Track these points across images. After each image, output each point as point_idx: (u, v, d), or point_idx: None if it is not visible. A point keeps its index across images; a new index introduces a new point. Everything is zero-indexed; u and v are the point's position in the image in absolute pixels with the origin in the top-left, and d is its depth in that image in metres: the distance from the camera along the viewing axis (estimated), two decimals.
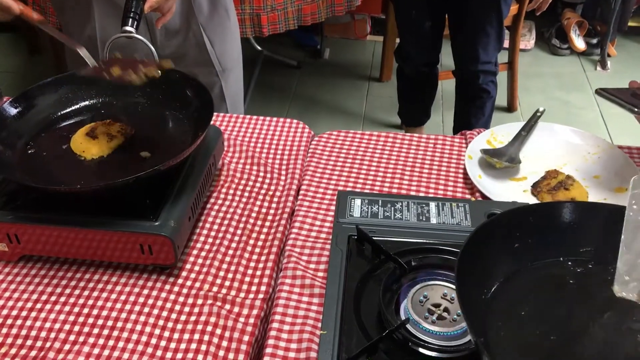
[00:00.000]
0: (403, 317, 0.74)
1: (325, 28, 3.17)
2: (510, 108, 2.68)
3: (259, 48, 2.95)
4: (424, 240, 0.83)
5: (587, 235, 0.73)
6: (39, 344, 0.81)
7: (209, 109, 0.96)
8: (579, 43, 3.09)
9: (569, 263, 0.73)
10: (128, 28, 1.04)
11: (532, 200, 1.01)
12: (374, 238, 0.82)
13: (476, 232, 0.70)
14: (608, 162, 1.07)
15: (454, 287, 0.76)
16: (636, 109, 0.93)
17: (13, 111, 0.97)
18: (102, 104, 1.06)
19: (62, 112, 1.03)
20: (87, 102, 1.05)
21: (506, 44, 2.34)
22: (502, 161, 1.06)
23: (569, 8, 3.22)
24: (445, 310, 0.74)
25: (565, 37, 3.12)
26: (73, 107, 1.04)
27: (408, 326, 0.72)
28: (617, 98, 0.96)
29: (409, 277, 0.78)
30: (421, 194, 1.04)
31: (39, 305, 0.86)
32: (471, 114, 2.08)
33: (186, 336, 0.82)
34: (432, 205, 0.89)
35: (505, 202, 0.90)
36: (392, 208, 0.89)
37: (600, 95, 0.97)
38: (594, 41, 3.10)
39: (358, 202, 0.90)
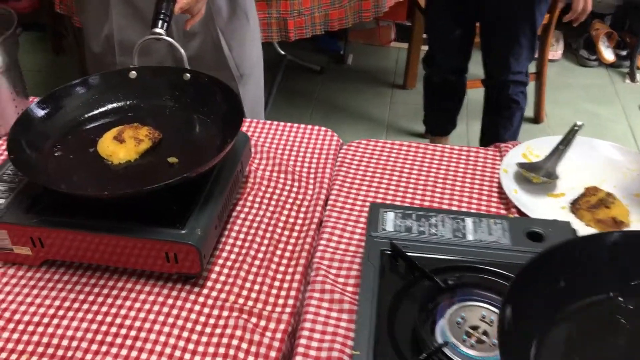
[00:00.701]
0: (439, 339, 0.70)
1: (349, 33, 3.14)
2: (536, 119, 2.63)
3: (282, 52, 2.93)
4: (461, 258, 0.80)
5: (638, 266, 0.68)
6: (60, 352, 0.79)
7: (238, 115, 0.94)
8: (608, 54, 3.03)
9: (620, 299, 0.68)
10: (158, 30, 1.02)
11: (571, 217, 0.97)
12: (407, 254, 0.79)
13: (517, 278, 0.64)
14: None
15: (493, 308, 0.73)
16: None
17: (40, 112, 0.96)
18: (130, 107, 1.04)
19: (89, 114, 1.01)
20: (114, 105, 1.04)
21: (535, 54, 2.29)
22: (540, 176, 1.02)
23: (598, 19, 3.16)
24: (484, 333, 0.71)
25: (594, 48, 3.06)
26: (100, 110, 1.02)
27: (445, 349, 0.68)
28: None
29: (446, 297, 0.75)
30: (454, 208, 1.01)
31: (61, 312, 0.84)
32: (499, 124, 2.04)
33: (211, 349, 0.79)
34: (469, 221, 0.86)
35: (545, 220, 0.86)
36: (427, 223, 0.85)
37: None
38: (623, 53, 3.04)
39: (391, 215, 0.87)
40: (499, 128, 2.04)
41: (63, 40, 3.05)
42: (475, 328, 0.71)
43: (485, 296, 0.74)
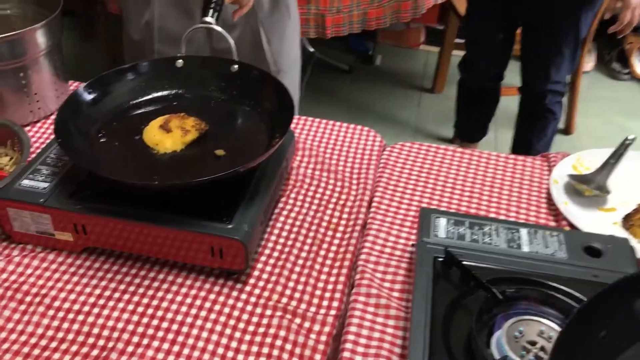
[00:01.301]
0: (495, 352, 0.68)
1: (378, 34, 3.11)
2: (567, 131, 2.59)
3: (311, 49, 2.91)
4: (516, 269, 0.77)
5: None
6: (101, 342, 0.77)
7: (289, 111, 0.92)
8: None
9: None
10: (208, 19, 1.01)
11: (623, 234, 0.94)
12: (463, 262, 0.76)
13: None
14: None
15: (552, 324, 0.70)
16: None
17: (88, 97, 0.94)
18: (175, 96, 1.02)
19: (134, 102, 1.00)
20: (160, 93, 1.02)
21: None
22: (591, 189, 0.99)
23: (633, 32, 3.11)
24: (542, 349, 0.68)
25: (626, 61, 3.02)
26: (145, 97, 1.01)
27: None
28: None
29: (502, 309, 0.72)
30: (502, 217, 0.98)
31: (101, 302, 0.82)
32: (533, 134, 2.00)
33: (254, 349, 0.77)
34: (524, 231, 0.83)
35: (602, 235, 0.83)
36: (481, 231, 0.83)
37: None
38: None
39: (443, 221, 0.84)
40: (532, 137, 2.01)
41: (94, 27, 3.04)
42: (533, 343, 0.68)
43: (544, 311, 0.72)
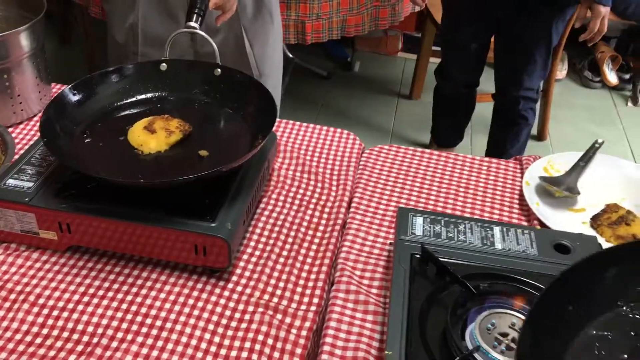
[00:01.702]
0: (469, 343, 0.71)
1: (357, 41, 3.16)
2: (540, 136, 2.66)
3: (291, 56, 2.94)
4: (490, 265, 0.81)
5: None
6: (85, 338, 0.79)
7: (271, 114, 0.94)
8: (612, 77, 3.07)
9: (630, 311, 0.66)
10: (192, 24, 1.03)
11: (592, 233, 0.98)
12: (438, 258, 0.79)
13: (537, 303, 0.62)
14: None
15: (523, 317, 0.73)
16: None
17: (73, 98, 0.95)
18: (159, 99, 1.04)
19: (118, 103, 1.01)
20: (143, 95, 1.04)
21: None
22: (561, 190, 1.03)
23: (603, 41, 3.20)
24: (513, 340, 0.71)
25: (598, 70, 3.10)
26: (130, 99, 1.03)
27: (477, 354, 0.69)
28: None
29: (476, 303, 0.75)
30: (476, 217, 1.02)
31: (86, 299, 0.83)
32: (507, 139, 2.06)
33: (237, 343, 0.79)
34: (497, 229, 0.87)
35: (571, 234, 0.87)
36: (456, 229, 0.86)
37: None
38: (627, 76, 3.08)
39: (420, 220, 0.87)
40: (506, 143, 2.06)
41: (71, 30, 3.03)
42: (504, 335, 0.72)
43: (515, 304, 0.75)
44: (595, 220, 1.00)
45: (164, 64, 1.05)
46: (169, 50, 1.15)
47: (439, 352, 0.71)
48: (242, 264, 0.90)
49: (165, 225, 0.84)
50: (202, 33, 1.04)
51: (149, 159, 0.92)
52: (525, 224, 1.01)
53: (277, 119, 1.22)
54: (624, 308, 0.67)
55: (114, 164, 0.91)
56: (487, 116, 2.26)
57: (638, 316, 0.66)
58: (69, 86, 0.96)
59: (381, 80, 3.07)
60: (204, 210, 0.85)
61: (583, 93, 3.09)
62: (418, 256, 0.81)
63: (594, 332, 0.65)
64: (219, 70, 1.04)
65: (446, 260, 0.80)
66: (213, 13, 1.15)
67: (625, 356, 0.63)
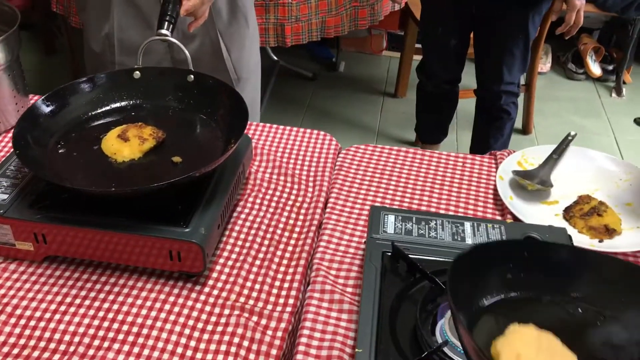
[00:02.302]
0: (439, 339, 0.72)
1: (342, 41, 3.17)
2: (525, 130, 2.67)
3: (275, 58, 2.95)
4: None
5: (579, 281, 0.71)
6: (62, 347, 0.79)
7: (243, 117, 0.95)
8: (595, 69, 3.09)
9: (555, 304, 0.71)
10: (164, 31, 1.03)
11: (564, 224, 0.99)
12: (408, 255, 0.81)
13: (470, 253, 0.68)
14: None
15: None
16: None
17: (46, 109, 0.96)
18: (133, 107, 1.05)
19: (92, 113, 1.02)
20: (117, 104, 1.04)
21: None
22: (534, 183, 1.04)
23: (586, 33, 3.22)
24: None
25: (581, 62, 3.12)
26: (104, 109, 1.03)
27: (445, 349, 0.70)
28: None
29: (446, 298, 0.76)
30: (450, 213, 1.03)
31: (62, 308, 0.84)
32: (490, 134, 2.07)
33: (213, 347, 0.80)
34: (467, 225, 0.88)
35: (541, 226, 0.88)
36: (427, 226, 0.87)
37: (638, 124, 0.96)
38: (610, 67, 3.10)
39: (392, 218, 0.88)
40: (489, 138, 2.07)
41: (55, 40, 3.04)
42: None
43: None
44: (567, 212, 1.01)
45: (137, 72, 1.05)
46: (145, 58, 1.16)
47: (410, 348, 0.72)
48: (218, 267, 0.91)
49: (140, 233, 0.85)
50: (174, 40, 1.04)
51: (122, 167, 0.93)
52: (499, 218, 1.02)
53: (259, 123, 1.23)
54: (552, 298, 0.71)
55: (88, 173, 0.92)
56: (472, 112, 2.27)
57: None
58: (42, 98, 0.97)
59: (366, 79, 3.08)
60: (178, 216, 0.86)
61: (567, 85, 3.11)
62: (389, 254, 0.82)
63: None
64: (192, 76, 1.04)
65: (417, 257, 0.81)
66: (188, 19, 1.16)
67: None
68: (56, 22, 2.85)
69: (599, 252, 0.91)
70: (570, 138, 1.15)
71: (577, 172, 1.10)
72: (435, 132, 2.32)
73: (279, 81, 2.92)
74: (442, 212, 1.03)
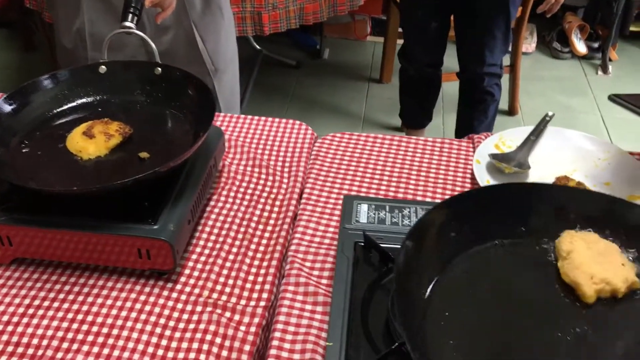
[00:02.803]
0: None
1: (325, 28, 3.14)
2: (511, 111, 2.66)
3: (258, 47, 2.92)
4: None
5: (522, 215, 0.74)
6: (30, 351, 0.78)
7: (210, 109, 0.93)
8: (581, 47, 3.07)
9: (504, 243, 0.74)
10: (128, 23, 1.01)
11: None
12: (381, 245, 0.79)
13: (413, 230, 0.69)
14: (618, 169, 1.05)
15: None
16: None
17: (7, 108, 0.94)
18: (100, 102, 1.02)
19: (57, 110, 1.00)
20: (84, 100, 1.02)
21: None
22: (511, 166, 1.03)
23: (570, 12, 3.20)
24: None
25: (567, 40, 3.10)
26: (69, 105, 1.01)
27: None
28: (631, 104, 0.94)
29: None
30: (428, 199, 1.01)
31: (31, 310, 0.82)
32: (474, 116, 2.05)
33: (184, 345, 0.79)
34: None
35: None
36: (400, 214, 0.86)
37: (613, 101, 0.95)
38: (596, 45, 3.08)
39: (365, 207, 0.87)
40: (473, 120, 2.06)
41: (33, 37, 2.99)
42: None
43: None
44: None
45: (103, 67, 1.03)
46: (118, 53, 1.13)
47: (382, 339, 0.71)
48: (190, 264, 0.90)
49: (107, 232, 0.83)
50: (139, 32, 1.02)
51: (89, 164, 0.91)
52: None
53: (232, 115, 1.21)
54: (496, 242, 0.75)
55: (53, 172, 0.90)
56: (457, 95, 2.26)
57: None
58: (3, 96, 0.95)
59: (351, 66, 3.06)
60: (146, 213, 0.84)
61: (553, 65, 3.09)
62: (362, 244, 0.81)
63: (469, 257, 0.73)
64: (159, 69, 1.02)
65: (390, 246, 0.79)
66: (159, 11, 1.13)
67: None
68: (33, 19, 2.81)
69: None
70: (547, 119, 1.13)
71: (555, 153, 1.08)
72: (419, 116, 2.30)
73: (263, 71, 2.89)
74: (419, 198, 1.01)
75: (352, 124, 2.63)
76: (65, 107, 1.00)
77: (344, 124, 2.61)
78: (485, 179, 1.02)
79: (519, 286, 0.70)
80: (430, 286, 0.69)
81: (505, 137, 1.11)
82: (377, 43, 3.16)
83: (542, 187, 0.77)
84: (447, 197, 1.02)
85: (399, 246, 0.79)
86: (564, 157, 1.07)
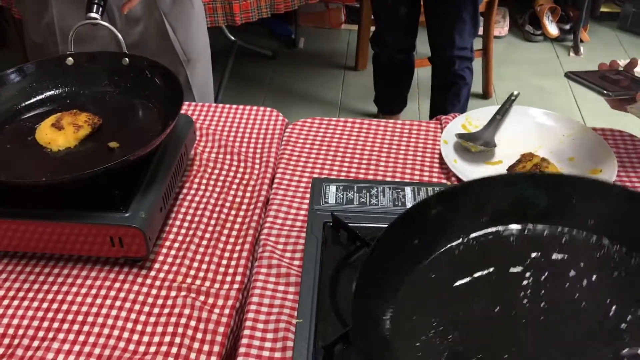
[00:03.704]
0: None
1: (300, 17, 3.14)
2: (485, 94, 2.69)
3: (233, 38, 2.91)
4: None
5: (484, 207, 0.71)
6: (6, 341, 0.78)
7: (178, 97, 0.94)
8: (552, 29, 3.11)
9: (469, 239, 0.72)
10: (93, 15, 1.01)
11: None
12: (349, 224, 0.81)
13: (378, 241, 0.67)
14: (582, 144, 1.07)
15: None
16: (605, 91, 0.92)
17: None
18: (68, 94, 1.03)
19: (26, 103, 1.00)
20: (52, 92, 1.02)
21: (480, 30, 2.33)
22: (478, 145, 1.05)
23: None
24: None
25: (539, 23, 3.13)
26: (38, 98, 1.01)
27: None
28: (587, 81, 0.96)
29: None
30: (397, 180, 1.03)
31: (5, 302, 0.83)
32: (447, 100, 2.08)
33: (159, 329, 0.80)
34: (408, 190, 0.88)
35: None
36: (368, 194, 0.87)
37: (569, 78, 0.97)
38: (567, 27, 3.12)
39: (333, 188, 0.89)
40: (446, 104, 2.08)
41: (4, 34, 2.96)
42: None
43: None
44: (510, 170, 1.02)
45: (70, 58, 1.03)
46: (90, 45, 1.13)
47: (350, 315, 0.72)
48: (164, 250, 0.91)
49: (79, 221, 0.84)
50: (105, 23, 1.02)
51: (59, 156, 0.91)
52: (445, 182, 1.03)
53: (204, 103, 1.22)
54: (464, 240, 0.72)
55: (22, 165, 0.90)
56: None
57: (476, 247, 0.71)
58: None
59: (327, 54, 3.07)
60: (118, 202, 0.85)
61: (526, 47, 3.12)
62: (330, 224, 0.82)
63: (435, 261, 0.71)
64: (127, 59, 1.03)
65: (358, 225, 0.81)
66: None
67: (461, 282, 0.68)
68: (4, 15, 2.78)
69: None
70: (513, 98, 1.16)
71: (520, 130, 1.11)
72: (394, 102, 2.32)
73: (238, 61, 2.89)
74: (388, 179, 1.03)
75: (329, 112, 2.65)
76: (33, 100, 1.01)
77: (321, 112, 2.63)
78: (452, 158, 1.04)
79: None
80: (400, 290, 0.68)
81: (471, 117, 1.13)
82: (351, 31, 3.17)
83: (497, 178, 0.75)
84: (416, 177, 1.04)
85: (367, 225, 0.82)
86: (529, 134, 1.10)
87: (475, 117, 1.13)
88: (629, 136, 1.13)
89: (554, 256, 0.68)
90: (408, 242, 0.68)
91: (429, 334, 0.64)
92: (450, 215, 0.70)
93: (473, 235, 0.71)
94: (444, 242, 0.71)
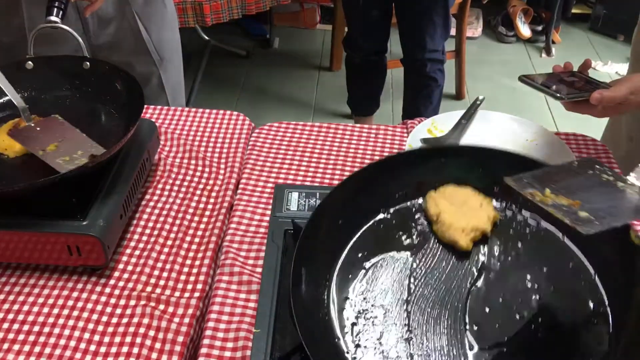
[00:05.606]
0: None
1: (274, 17, 3.13)
2: (458, 96, 2.71)
3: (206, 38, 2.89)
4: None
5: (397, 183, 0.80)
6: None
7: (139, 102, 0.93)
8: (525, 30, 3.14)
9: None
10: (53, 18, 1.00)
11: None
12: None
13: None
14: (545, 149, 1.08)
15: None
16: (558, 95, 0.91)
17: None
18: (28, 99, 1.00)
19: None
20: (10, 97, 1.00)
21: (453, 32, 2.35)
22: None
23: None
24: None
25: (512, 24, 3.16)
26: None
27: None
28: (540, 84, 0.95)
29: None
30: None
31: None
32: (419, 102, 2.09)
33: (117, 339, 0.79)
34: None
35: None
36: None
37: (523, 82, 0.96)
38: (539, 28, 3.16)
39: (295, 195, 0.88)
40: (419, 106, 2.09)
41: None
42: None
43: None
44: None
45: (29, 62, 1.01)
46: (60, 48, 1.10)
47: None
48: (125, 258, 0.89)
49: (35, 229, 0.82)
50: (65, 27, 1.01)
51: (16, 162, 0.90)
52: None
53: (184, 108, 1.20)
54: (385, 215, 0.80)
55: None
56: None
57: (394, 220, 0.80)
58: None
59: (301, 54, 3.06)
60: (75, 210, 0.84)
61: (499, 49, 3.15)
62: (291, 232, 0.82)
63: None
64: (88, 63, 1.01)
65: None
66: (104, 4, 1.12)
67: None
68: None
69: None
70: (478, 102, 1.16)
71: (485, 135, 1.11)
72: (366, 103, 2.32)
73: (212, 61, 2.87)
74: None
75: (303, 113, 2.64)
76: None
77: (295, 113, 2.62)
78: None
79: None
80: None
81: (437, 122, 1.13)
82: (326, 31, 3.17)
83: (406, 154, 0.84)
84: None
85: None
86: (494, 139, 1.10)
87: (440, 122, 1.13)
88: (592, 140, 1.14)
89: None
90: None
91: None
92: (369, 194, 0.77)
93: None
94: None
